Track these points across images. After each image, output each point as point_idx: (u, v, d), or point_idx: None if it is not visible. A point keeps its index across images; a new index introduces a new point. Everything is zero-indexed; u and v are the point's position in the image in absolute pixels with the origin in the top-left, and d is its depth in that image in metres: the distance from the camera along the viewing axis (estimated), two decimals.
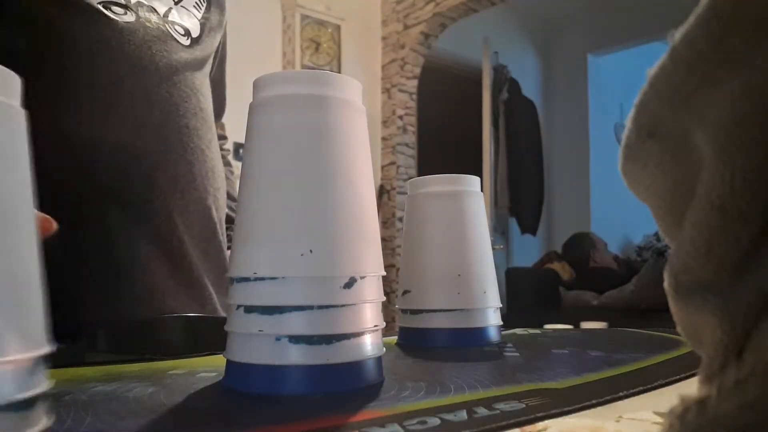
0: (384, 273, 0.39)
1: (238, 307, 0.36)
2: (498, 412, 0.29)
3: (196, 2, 0.73)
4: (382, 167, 3.62)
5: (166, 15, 0.67)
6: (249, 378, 0.35)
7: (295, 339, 0.34)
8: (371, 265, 0.38)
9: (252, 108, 0.38)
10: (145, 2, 0.65)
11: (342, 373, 0.35)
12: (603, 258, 3.75)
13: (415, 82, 3.67)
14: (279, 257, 0.35)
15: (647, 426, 0.28)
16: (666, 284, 0.19)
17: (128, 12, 0.63)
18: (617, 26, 4.46)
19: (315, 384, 0.34)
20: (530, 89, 4.49)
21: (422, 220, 0.58)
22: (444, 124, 4.27)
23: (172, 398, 0.33)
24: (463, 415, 0.29)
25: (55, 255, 0.58)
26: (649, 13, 4.07)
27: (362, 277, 0.37)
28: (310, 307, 0.35)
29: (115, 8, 0.62)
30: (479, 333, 0.56)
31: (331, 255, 0.36)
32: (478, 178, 0.60)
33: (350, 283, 0.36)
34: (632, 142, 0.20)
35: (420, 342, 0.56)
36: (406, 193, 0.61)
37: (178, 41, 0.67)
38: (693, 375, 0.38)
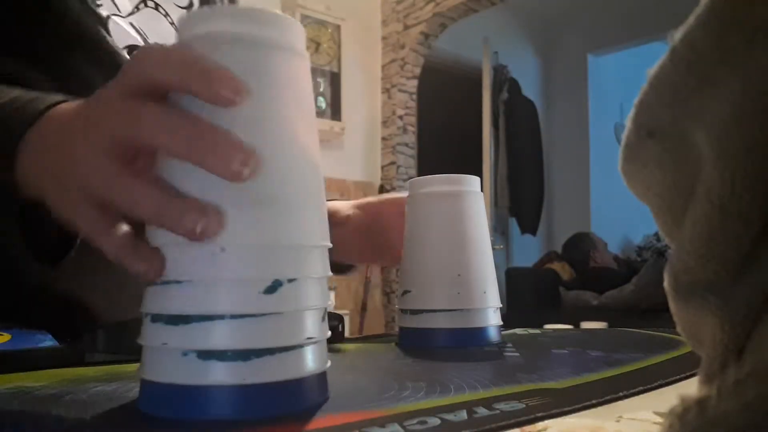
0: (330, 274, 0.33)
1: (146, 315, 0.31)
2: (498, 412, 0.29)
3: None
4: (382, 167, 3.62)
5: None
6: (158, 399, 0.30)
7: (204, 354, 0.29)
8: (312, 264, 0.31)
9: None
10: (160, 42, 0.65)
11: (264, 395, 0.29)
12: (603, 258, 3.75)
13: (415, 82, 3.67)
14: (182, 254, 0.29)
15: (647, 426, 0.28)
16: (666, 284, 0.19)
17: None
18: (617, 26, 4.46)
19: (231, 407, 0.29)
20: (530, 89, 4.49)
21: (422, 220, 0.58)
22: (444, 124, 4.27)
23: None
24: (463, 415, 0.29)
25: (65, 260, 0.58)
26: (649, 13, 4.07)
27: (291, 280, 0.30)
28: (221, 317, 0.29)
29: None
30: (479, 333, 0.56)
31: (251, 252, 0.29)
32: (478, 178, 0.60)
33: (273, 287, 0.30)
34: (632, 142, 0.20)
35: (420, 342, 0.56)
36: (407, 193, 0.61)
37: None
38: (693, 375, 0.38)
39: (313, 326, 0.31)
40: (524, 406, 0.30)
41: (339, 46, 3.38)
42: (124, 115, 0.30)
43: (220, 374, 0.28)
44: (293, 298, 0.30)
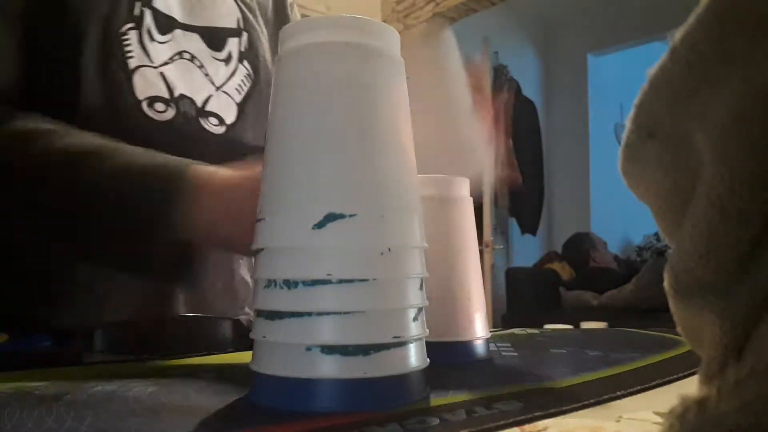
0: (426, 274, 0.35)
1: (262, 312, 0.32)
2: (497, 411, 0.29)
3: (239, 84, 0.70)
4: None
5: (204, 105, 0.66)
6: (276, 392, 0.31)
7: (328, 349, 0.30)
8: (422, 265, 0.34)
9: (279, 60, 0.34)
10: (188, 94, 0.64)
11: (381, 389, 0.31)
12: (603, 258, 3.75)
13: None
14: (360, 253, 0.31)
15: (647, 426, 0.28)
16: (666, 284, 0.19)
17: (169, 108, 0.62)
18: (617, 26, 4.46)
19: (350, 401, 0.30)
20: (530, 89, 4.49)
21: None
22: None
23: (172, 398, 0.33)
24: (462, 414, 0.29)
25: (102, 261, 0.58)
26: (649, 13, 4.07)
27: (422, 279, 0.33)
28: (362, 312, 0.31)
29: (157, 105, 0.62)
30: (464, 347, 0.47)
31: (408, 252, 0.33)
32: (466, 180, 0.50)
33: (421, 284, 0.33)
34: (632, 142, 0.20)
35: None
36: None
37: (211, 132, 0.65)
38: (693, 375, 0.38)
39: (421, 323, 0.34)
40: (523, 405, 0.30)
41: None
42: None
43: (343, 368, 0.30)
44: (419, 295, 0.33)
